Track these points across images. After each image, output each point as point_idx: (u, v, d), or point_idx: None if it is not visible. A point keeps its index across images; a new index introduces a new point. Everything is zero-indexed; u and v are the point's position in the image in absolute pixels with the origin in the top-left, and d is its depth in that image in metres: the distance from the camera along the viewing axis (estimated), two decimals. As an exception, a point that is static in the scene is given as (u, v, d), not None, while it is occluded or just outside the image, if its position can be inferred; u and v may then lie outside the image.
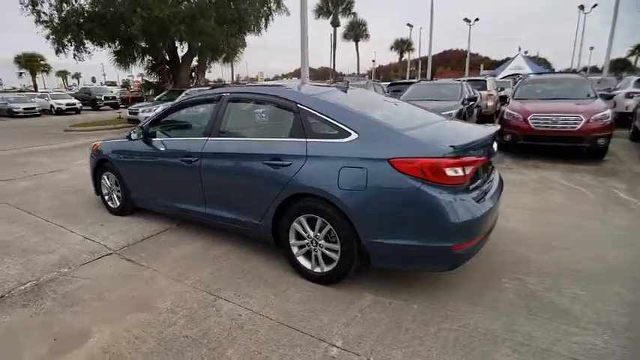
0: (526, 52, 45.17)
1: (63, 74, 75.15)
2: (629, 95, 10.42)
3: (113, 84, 57.36)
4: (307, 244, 2.65)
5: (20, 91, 43.41)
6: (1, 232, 3.80)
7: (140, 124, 3.79)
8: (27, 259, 3.20)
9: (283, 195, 2.63)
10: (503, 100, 11.87)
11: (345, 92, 3.22)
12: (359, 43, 50.11)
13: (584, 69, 43.91)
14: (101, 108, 25.89)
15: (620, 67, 46.32)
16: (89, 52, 14.82)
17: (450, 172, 2.16)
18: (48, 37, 14.01)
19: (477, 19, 35.93)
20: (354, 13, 45.56)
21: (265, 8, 16.81)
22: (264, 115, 3.18)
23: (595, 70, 42.49)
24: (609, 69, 25.49)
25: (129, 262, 3.13)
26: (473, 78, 14.70)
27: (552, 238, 3.35)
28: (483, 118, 10.42)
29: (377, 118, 2.55)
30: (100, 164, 4.20)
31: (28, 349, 2.08)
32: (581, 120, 6.32)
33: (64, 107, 22.60)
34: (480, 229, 2.32)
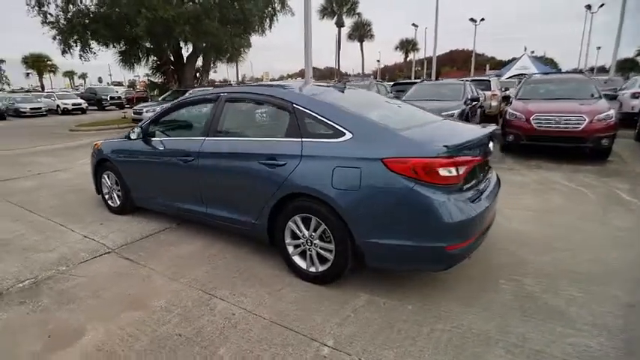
0: (532, 52, 44.78)
1: (70, 74, 75.94)
2: (634, 95, 10.31)
3: (120, 84, 57.80)
4: (302, 243, 2.65)
5: (28, 91, 43.92)
6: (3, 230, 3.84)
7: (139, 124, 3.81)
8: (27, 257, 3.23)
9: (278, 195, 2.64)
10: (506, 100, 11.78)
11: (342, 92, 3.23)
12: (364, 43, 50.04)
13: (592, 69, 43.45)
14: (107, 108, 26.12)
15: (627, 67, 45.69)
16: (94, 53, 14.98)
17: (443, 172, 2.15)
18: (54, 38, 14.18)
19: (482, 19, 35.81)
20: (358, 14, 45.56)
21: (270, 9, 16.86)
22: (260, 115, 3.18)
23: (603, 70, 42.03)
24: (616, 69, 25.23)
25: (127, 260, 3.15)
26: (476, 78, 14.62)
27: (552, 240, 3.32)
28: (487, 119, 10.35)
29: (372, 118, 2.55)
30: (101, 164, 4.23)
31: (23, 346, 2.10)
32: (585, 120, 6.26)
33: (70, 107, 22.85)
34: (474, 230, 2.31)
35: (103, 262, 3.13)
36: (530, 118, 6.68)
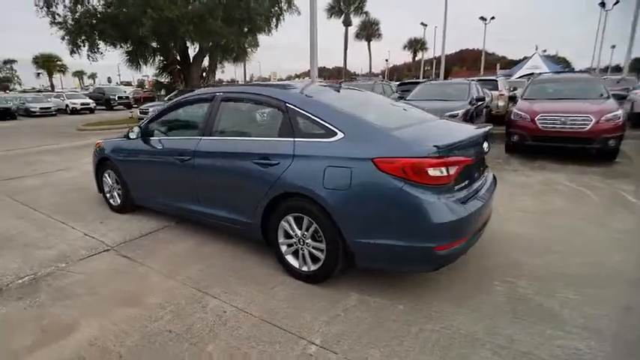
0: (544, 51, 44.13)
1: (79, 74, 77.00)
2: None
3: (129, 84, 58.46)
4: (295, 242, 2.67)
5: (39, 91, 44.65)
6: (7, 227, 3.93)
7: (138, 124, 3.86)
8: (27, 253, 3.30)
9: (271, 194, 2.66)
10: (512, 100, 11.65)
11: (338, 92, 3.24)
12: (372, 42, 49.92)
13: (606, 68, 42.64)
14: (115, 108, 26.43)
15: (642, 66, 44.82)
16: (102, 53, 15.17)
17: (432, 172, 2.15)
18: (63, 38, 14.39)
19: (492, 18, 35.46)
20: (366, 13, 45.32)
21: (276, 8, 16.88)
22: (254, 114, 3.20)
23: (617, 69, 41.21)
24: (630, 68, 24.74)
25: (124, 258, 3.20)
26: (484, 78, 14.48)
27: (551, 242, 3.29)
28: (494, 119, 10.24)
29: (364, 117, 2.55)
30: (102, 162, 4.30)
31: (17, 340, 2.15)
32: (591, 120, 6.17)
33: (78, 107, 23.21)
34: (465, 230, 2.30)
35: (101, 260, 3.18)
36: (535, 119, 6.60)
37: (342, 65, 45.34)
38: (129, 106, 25.28)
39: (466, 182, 2.44)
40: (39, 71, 60.86)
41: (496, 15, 36.43)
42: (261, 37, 18.67)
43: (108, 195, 4.38)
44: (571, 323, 2.16)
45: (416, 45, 59.11)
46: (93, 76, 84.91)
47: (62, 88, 49.05)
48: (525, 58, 33.30)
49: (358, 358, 1.92)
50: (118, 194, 4.23)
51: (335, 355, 1.95)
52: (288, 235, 2.70)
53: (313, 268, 2.60)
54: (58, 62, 57.55)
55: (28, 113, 21.45)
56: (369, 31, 48.95)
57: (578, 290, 2.50)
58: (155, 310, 2.41)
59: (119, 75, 69.86)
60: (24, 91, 44.65)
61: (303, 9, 17.05)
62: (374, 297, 2.48)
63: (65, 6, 13.95)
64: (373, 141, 2.33)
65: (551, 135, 6.46)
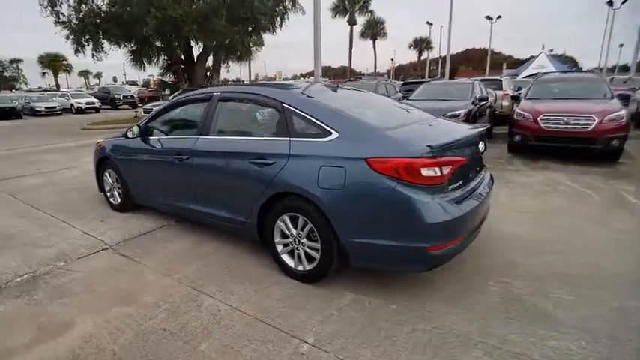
0: (551, 51, 43.73)
1: (85, 74, 77.61)
2: None
3: (134, 83, 58.82)
4: (291, 242, 2.68)
5: (45, 90, 45.05)
6: (8, 226, 3.97)
7: (137, 123, 3.89)
8: (27, 252, 3.33)
9: (267, 194, 2.67)
10: (516, 99, 11.59)
11: (335, 92, 3.24)
12: (377, 41, 49.69)
13: (613, 67, 42.13)
14: (120, 107, 26.57)
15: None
16: (106, 52, 15.27)
17: (425, 172, 2.14)
18: (67, 38, 14.50)
19: (499, 17, 35.18)
20: (371, 12, 45.03)
21: (280, 7, 16.88)
22: (252, 114, 3.21)
23: (625, 68, 40.72)
24: (637, 68, 24.44)
25: (123, 256, 3.22)
26: (488, 77, 14.41)
27: (549, 242, 3.27)
28: (498, 119, 10.19)
29: (359, 117, 2.55)
30: (102, 162, 4.34)
31: (13, 337, 2.18)
32: (594, 120, 6.11)
33: (83, 106, 23.36)
34: (458, 231, 2.30)
35: (99, 258, 3.21)
36: (538, 119, 6.55)
37: (347, 64, 45.31)
38: (134, 106, 25.46)
39: (461, 182, 2.43)
40: (44, 70, 61.35)
41: (503, 14, 36.23)
42: (267, 37, 18.68)
43: (108, 194, 4.42)
44: (565, 324, 2.15)
45: (421, 44, 58.86)
46: (98, 75, 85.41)
47: (68, 88, 49.50)
48: (532, 58, 33.08)
49: (349, 357, 1.93)
50: (118, 193, 4.27)
51: (327, 354, 1.95)
52: (283, 235, 2.72)
53: (308, 267, 2.61)
54: (64, 62, 58.01)
55: (34, 112, 21.64)
56: (374, 30, 48.75)
57: (575, 291, 2.49)
58: (150, 308, 2.43)
59: (125, 74, 70.32)
60: (30, 91, 45.10)
61: (308, 8, 17.05)
62: (369, 296, 2.48)
63: (69, 5, 14.08)
64: (367, 141, 2.33)
65: (554, 135, 6.41)
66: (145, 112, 14.18)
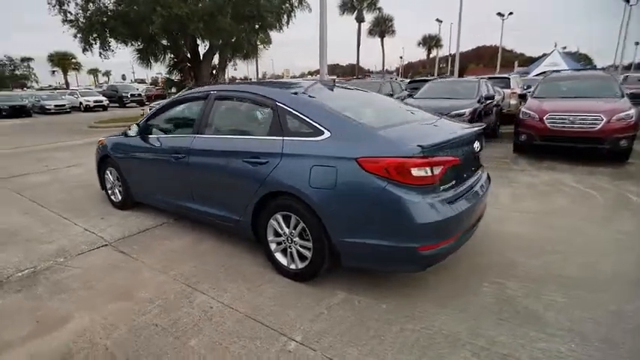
0: (564, 48, 42.85)
1: (94, 72, 78.56)
2: None
3: (142, 81, 59.37)
4: (283, 241, 2.69)
5: (55, 88, 45.72)
6: (12, 223, 4.06)
7: (137, 122, 3.93)
8: (29, 248, 3.40)
9: (261, 192, 2.68)
10: (523, 98, 11.44)
11: (332, 90, 3.24)
12: (385, 39, 49.27)
13: (629, 65, 41.17)
14: (127, 105, 26.89)
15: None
16: (113, 51, 15.38)
17: (416, 172, 2.14)
18: (75, 36, 14.65)
19: (510, 13, 34.65)
20: (379, 9, 44.68)
21: (287, 5, 16.84)
22: (247, 113, 3.22)
23: (641, 66, 39.87)
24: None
25: (121, 253, 3.27)
26: (496, 76, 14.24)
27: (548, 242, 3.24)
28: (505, 118, 10.08)
29: (352, 116, 2.54)
30: (104, 160, 4.40)
31: (11, 331, 2.23)
32: (602, 120, 6.00)
33: (91, 104, 23.69)
34: (451, 231, 2.29)
35: (98, 255, 3.26)
36: (544, 118, 6.45)
37: (355, 62, 45.12)
38: (141, 104, 25.73)
39: (454, 182, 2.42)
40: (54, 69, 62.22)
41: (515, 10, 35.45)
42: (274, 34, 18.60)
43: (110, 192, 4.48)
44: (556, 326, 2.13)
45: (430, 42, 58.28)
46: (107, 73, 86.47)
47: (77, 86, 50.14)
48: (544, 56, 32.48)
49: (336, 355, 1.94)
50: (119, 191, 4.32)
51: (313, 352, 1.97)
52: (277, 234, 2.73)
53: (301, 266, 2.62)
54: (73, 60, 58.79)
55: (43, 110, 22.00)
56: (383, 28, 48.34)
57: (572, 292, 2.47)
58: (144, 304, 2.47)
59: (133, 72, 71.07)
60: (41, 89, 45.81)
61: (315, 5, 16.97)
62: (360, 296, 2.48)
63: (77, 4, 14.20)
64: (358, 140, 2.33)
65: (560, 135, 6.30)
66: (150, 110, 14.31)
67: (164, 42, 15.93)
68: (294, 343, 2.04)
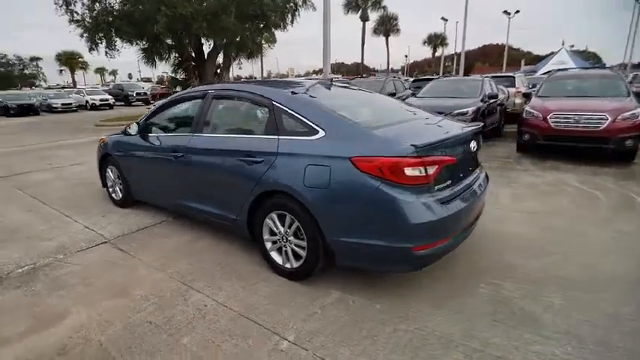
0: (572, 46, 42.37)
1: (100, 71, 79.19)
2: None
3: (149, 80, 59.77)
4: (279, 239, 2.69)
5: (62, 87, 46.18)
6: (14, 219, 4.11)
7: (137, 120, 3.96)
8: (30, 244, 3.44)
9: (256, 191, 2.68)
10: (527, 97, 11.32)
11: (329, 89, 3.23)
12: (390, 37, 49.07)
13: (639, 64, 40.51)
14: (133, 104, 27.07)
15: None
16: (118, 50, 15.51)
17: (410, 171, 2.12)
18: (81, 36, 14.79)
19: (517, 11, 34.30)
20: (384, 7, 44.52)
21: (291, 4, 16.84)
22: (244, 112, 3.22)
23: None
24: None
25: (119, 251, 3.30)
26: (500, 74, 14.12)
27: (547, 243, 3.21)
28: (510, 117, 10.00)
29: (347, 115, 2.53)
30: (105, 158, 4.43)
31: (9, 327, 2.26)
32: (606, 119, 5.91)
33: (97, 103, 23.90)
34: (446, 231, 2.27)
35: (97, 252, 3.29)
36: (548, 117, 6.37)
37: (360, 61, 45.01)
38: (147, 102, 25.89)
39: (449, 182, 2.39)
40: (62, 68, 62.82)
41: (522, 9, 35.06)
42: (279, 33, 18.60)
43: (110, 190, 4.51)
44: (552, 328, 2.11)
45: (436, 40, 57.92)
46: (114, 72, 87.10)
47: (85, 85, 50.59)
48: (552, 54, 32.06)
49: (328, 355, 1.93)
50: (120, 189, 4.35)
51: (305, 351, 1.96)
52: (272, 232, 2.73)
53: (296, 265, 2.62)
54: (80, 59, 59.31)
55: (51, 109, 22.25)
56: (387, 26, 48.12)
57: (570, 294, 2.44)
58: (139, 301, 2.48)
59: (139, 71, 71.49)
60: (49, 88, 46.26)
61: (319, 4, 16.92)
62: (354, 295, 2.48)
63: (83, 4, 14.33)
64: (353, 139, 2.32)
65: (564, 134, 6.21)
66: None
67: (169, 41, 16.02)
68: (287, 342, 2.04)
